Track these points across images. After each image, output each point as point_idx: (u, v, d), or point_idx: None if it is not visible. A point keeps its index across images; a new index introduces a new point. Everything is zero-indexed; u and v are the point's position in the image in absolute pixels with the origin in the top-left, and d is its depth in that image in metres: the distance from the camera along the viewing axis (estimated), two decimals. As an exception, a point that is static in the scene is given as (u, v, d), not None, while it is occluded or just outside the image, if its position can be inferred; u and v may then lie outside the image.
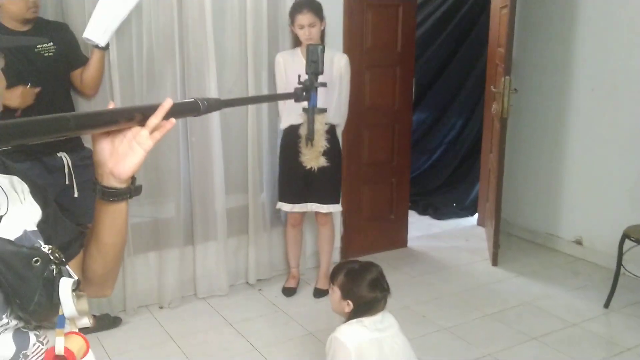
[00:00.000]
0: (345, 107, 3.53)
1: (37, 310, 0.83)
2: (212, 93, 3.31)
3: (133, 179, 0.98)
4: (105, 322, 3.19)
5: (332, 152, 3.43)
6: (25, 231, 0.91)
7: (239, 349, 3.05)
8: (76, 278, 0.89)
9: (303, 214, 3.61)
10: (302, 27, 3.26)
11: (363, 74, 4.01)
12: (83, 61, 2.88)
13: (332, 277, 2.29)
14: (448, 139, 6.01)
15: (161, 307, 3.48)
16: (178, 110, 0.99)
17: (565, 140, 4.34)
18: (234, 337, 3.18)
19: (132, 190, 0.99)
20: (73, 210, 2.75)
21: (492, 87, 4.34)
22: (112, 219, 1.00)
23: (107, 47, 2.85)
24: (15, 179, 0.97)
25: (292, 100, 3.39)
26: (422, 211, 5.52)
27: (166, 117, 0.95)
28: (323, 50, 1.59)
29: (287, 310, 3.48)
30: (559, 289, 3.81)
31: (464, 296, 3.71)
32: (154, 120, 0.94)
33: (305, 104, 1.60)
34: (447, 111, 6.03)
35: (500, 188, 4.11)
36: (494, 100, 4.22)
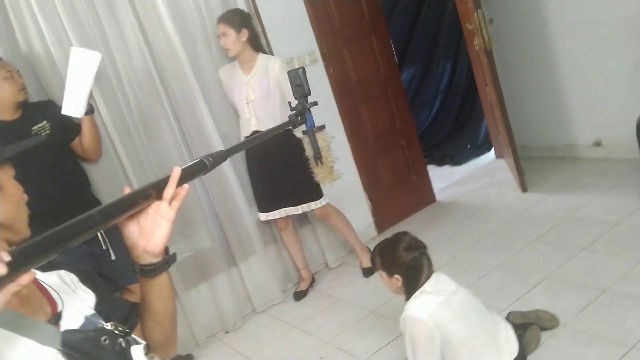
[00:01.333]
0: None
1: None
2: (207, 122, 3.39)
3: (166, 249, 1.04)
4: (178, 363, 3.30)
5: (292, 152, 3.41)
6: (85, 317, 0.98)
7: (311, 347, 3.14)
8: (144, 343, 0.98)
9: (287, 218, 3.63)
10: (219, 37, 3.32)
11: (341, 52, 4.06)
12: (78, 130, 2.96)
13: (373, 264, 2.39)
14: (442, 86, 6.03)
15: (227, 332, 3.59)
16: (188, 175, 1.05)
17: (554, 49, 4.35)
18: (303, 337, 3.28)
19: (168, 260, 1.05)
20: (112, 274, 2.87)
21: (467, 24, 4.34)
22: (158, 291, 1.07)
23: (92, 110, 2.92)
24: (63, 272, 1.05)
25: (246, 112, 3.39)
26: (440, 162, 5.57)
27: (179, 184, 1.01)
28: (304, 73, 1.62)
29: (343, 297, 3.56)
30: (592, 194, 3.84)
31: (504, 230, 3.76)
32: (169, 190, 1.00)
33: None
34: (432, 60, 6.05)
35: (507, 117, 4.14)
36: (474, 36, 4.24)
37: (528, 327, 2.45)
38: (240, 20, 3.27)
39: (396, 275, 2.27)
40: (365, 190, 4.18)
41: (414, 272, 2.23)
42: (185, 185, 1.03)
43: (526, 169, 4.26)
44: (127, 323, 1.06)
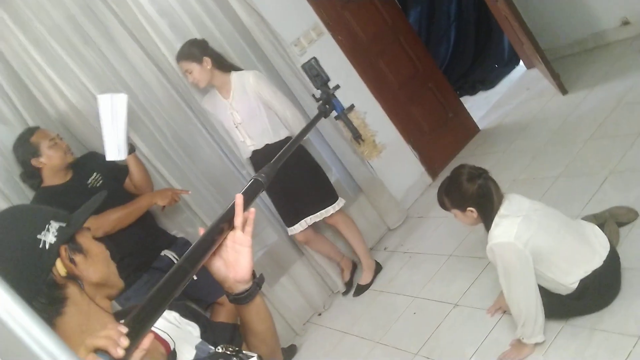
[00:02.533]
0: (293, 111, 3.31)
1: None
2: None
3: (253, 272, 1.09)
4: (284, 357, 3.40)
5: (300, 159, 3.34)
6: (196, 347, 1.06)
7: (403, 306, 3.20)
8: (255, 354, 1.04)
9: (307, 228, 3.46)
10: (184, 75, 3.21)
11: (343, 16, 4.03)
12: (126, 170, 3.06)
13: (443, 207, 2.41)
14: (453, 15, 5.90)
15: (319, 314, 3.70)
16: (249, 198, 1.09)
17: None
18: (392, 299, 3.35)
19: (258, 283, 1.10)
20: (199, 295, 2.95)
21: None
22: (256, 312, 1.12)
23: (133, 149, 3.02)
24: (164, 312, 1.12)
25: (239, 135, 3.27)
26: (473, 90, 5.49)
27: (244, 208, 1.06)
28: (317, 61, 1.62)
29: (417, 251, 3.60)
30: (634, 75, 3.71)
31: (557, 138, 3.69)
32: (239, 219, 1.05)
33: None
34: (435, -9, 5.91)
35: (525, 26, 4.04)
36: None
37: (603, 225, 2.43)
38: (198, 50, 3.15)
39: (469, 208, 2.27)
40: (408, 142, 4.17)
41: (484, 199, 2.22)
42: (252, 209, 1.07)
43: (560, 70, 4.15)
44: (234, 342, 1.12)
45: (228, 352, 1.02)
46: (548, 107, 4.17)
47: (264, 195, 3.56)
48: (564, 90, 4.11)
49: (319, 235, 3.65)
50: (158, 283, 0.86)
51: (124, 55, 3.24)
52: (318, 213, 3.40)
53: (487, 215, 2.25)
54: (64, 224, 0.99)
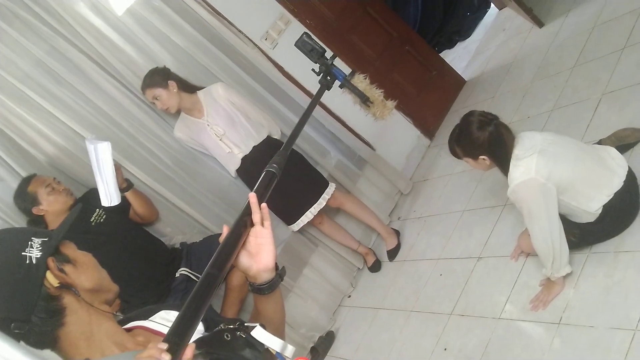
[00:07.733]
0: (264, 114, 3.41)
1: None
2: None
3: (276, 264, 1.11)
4: (324, 345, 3.44)
5: (290, 155, 3.32)
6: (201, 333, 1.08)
7: (428, 270, 3.21)
8: (258, 323, 1.06)
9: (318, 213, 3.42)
10: (152, 104, 3.22)
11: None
12: (129, 202, 3.05)
13: (455, 155, 2.37)
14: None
15: (349, 296, 3.72)
16: (263, 192, 1.13)
17: None
18: (416, 266, 3.36)
19: (280, 274, 1.13)
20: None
21: None
22: (274, 303, 1.16)
23: (131, 185, 3.01)
24: (162, 312, 1.15)
25: (224, 148, 3.22)
26: (451, 43, 5.46)
27: (260, 201, 1.10)
28: (308, 35, 1.61)
29: (431, 213, 3.61)
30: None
31: (543, 72, 3.66)
32: (256, 216, 1.09)
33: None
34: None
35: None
36: None
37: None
38: (160, 77, 3.16)
39: (482, 157, 2.25)
40: (398, 110, 4.15)
41: (497, 146, 2.19)
42: (263, 204, 1.11)
43: (531, 4, 4.10)
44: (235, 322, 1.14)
45: (231, 327, 1.04)
46: (527, 43, 4.13)
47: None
48: (539, 23, 4.08)
49: (331, 220, 3.64)
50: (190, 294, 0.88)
51: (98, 87, 3.22)
52: (316, 204, 3.36)
53: (501, 161, 2.22)
54: (46, 239, 1.03)
